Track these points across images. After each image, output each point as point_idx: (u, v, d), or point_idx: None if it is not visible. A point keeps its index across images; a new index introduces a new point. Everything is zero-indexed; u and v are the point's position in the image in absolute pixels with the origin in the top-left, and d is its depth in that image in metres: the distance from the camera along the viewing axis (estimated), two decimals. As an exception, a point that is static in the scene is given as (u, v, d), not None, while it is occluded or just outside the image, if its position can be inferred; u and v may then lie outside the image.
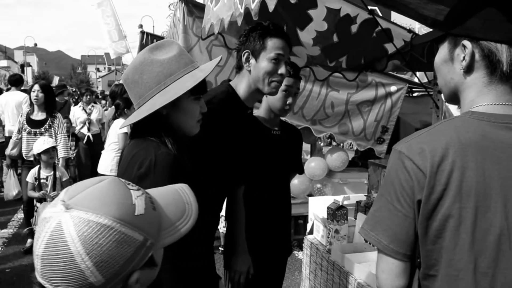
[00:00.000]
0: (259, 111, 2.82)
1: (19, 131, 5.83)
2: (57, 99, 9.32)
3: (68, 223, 0.89)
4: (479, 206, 1.13)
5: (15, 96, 8.44)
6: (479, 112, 1.21)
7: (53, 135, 5.78)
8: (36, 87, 5.84)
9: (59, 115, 6.04)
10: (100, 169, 6.09)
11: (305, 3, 3.60)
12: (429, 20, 3.46)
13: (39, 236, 0.90)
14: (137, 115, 1.71)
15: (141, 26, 20.95)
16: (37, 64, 77.94)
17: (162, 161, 1.61)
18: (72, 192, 0.95)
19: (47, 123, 5.82)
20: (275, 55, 2.19)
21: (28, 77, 40.00)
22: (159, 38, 8.06)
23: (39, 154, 5.25)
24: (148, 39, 8.31)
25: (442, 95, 1.38)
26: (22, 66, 46.86)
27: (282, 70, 2.21)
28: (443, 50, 1.30)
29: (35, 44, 53.34)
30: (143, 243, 0.94)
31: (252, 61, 2.23)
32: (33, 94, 5.80)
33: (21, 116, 5.96)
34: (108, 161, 5.94)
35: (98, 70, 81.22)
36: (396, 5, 3.32)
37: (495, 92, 1.22)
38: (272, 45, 2.20)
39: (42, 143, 5.26)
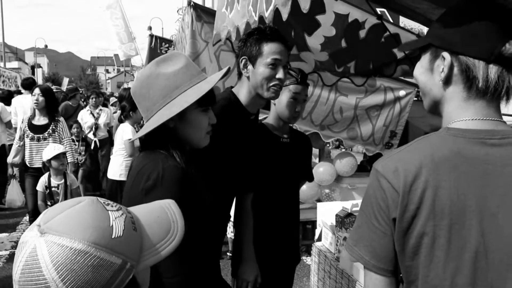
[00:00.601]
0: (268, 119, 2.81)
1: (21, 138, 5.65)
2: (70, 103, 9.37)
3: (43, 248, 0.87)
4: (454, 223, 1.13)
5: (29, 100, 8.23)
6: (455, 128, 1.21)
7: (58, 140, 5.62)
8: (37, 90, 5.66)
9: (62, 119, 5.85)
10: (109, 174, 6.10)
11: (313, 8, 3.59)
12: None
13: (16, 261, 0.89)
14: (144, 129, 1.73)
15: (150, 28, 21.06)
16: (48, 65, 78.45)
17: (169, 174, 1.62)
18: (48, 215, 0.93)
19: (50, 127, 5.64)
20: (272, 60, 2.18)
21: (39, 78, 40.23)
22: (168, 41, 8.09)
23: (49, 161, 5.04)
24: (157, 42, 8.34)
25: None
26: (33, 68, 47.17)
27: (280, 74, 2.20)
28: (425, 60, 1.32)
29: (46, 46, 53.60)
30: (121, 266, 0.91)
31: (250, 67, 2.23)
32: (33, 98, 5.63)
33: (22, 122, 5.77)
34: (117, 166, 5.95)
35: (107, 71, 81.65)
36: (404, 10, 3.30)
37: (473, 107, 1.22)
38: (269, 50, 2.18)
39: (52, 149, 5.07)
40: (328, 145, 6.69)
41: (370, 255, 1.24)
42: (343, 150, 5.97)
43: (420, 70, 1.34)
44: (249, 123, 2.39)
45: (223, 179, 2.20)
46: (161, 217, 1.08)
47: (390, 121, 5.27)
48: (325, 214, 3.44)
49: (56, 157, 5.02)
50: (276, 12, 2.15)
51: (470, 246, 1.13)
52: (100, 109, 8.71)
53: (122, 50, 18.04)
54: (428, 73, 1.31)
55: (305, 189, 5.14)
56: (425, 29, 8.29)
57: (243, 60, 2.24)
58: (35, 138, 5.56)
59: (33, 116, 5.69)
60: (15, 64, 45.54)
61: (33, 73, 39.10)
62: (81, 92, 11.31)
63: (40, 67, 55.77)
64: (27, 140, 5.58)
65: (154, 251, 1.00)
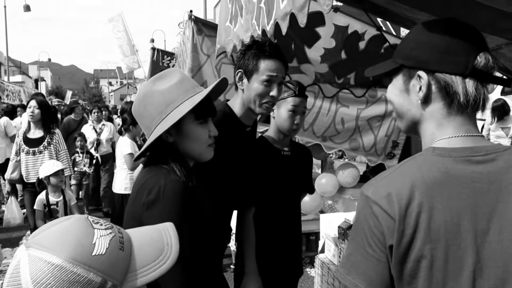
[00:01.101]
0: (269, 132, 2.82)
1: (17, 153, 5.47)
2: (72, 116, 9.37)
3: (25, 262, 0.90)
4: (450, 244, 1.13)
5: None
6: (440, 148, 1.21)
7: (54, 153, 5.43)
8: (33, 102, 5.46)
9: (57, 130, 5.65)
10: (115, 189, 6.08)
11: (313, 21, 3.62)
12: None
13: (7, 273, 0.93)
14: (145, 146, 1.76)
15: (152, 40, 21.21)
16: (51, 78, 78.81)
17: (170, 188, 1.62)
18: (38, 230, 0.97)
19: (46, 140, 5.42)
20: (267, 77, 2.18)
21: (42, 91, 40.42)
22: (170, 54, 8.12)
23: (47, 178, 4.89)
24: (159, 55, 8.37)
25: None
26: (36, 81, 47.41)
27: (273, 92, 2.21)
28: (398, 82, 1.31)
29: (49, 59, 53.90)
30: (101, 284, 0.92)
31: (245, 80, 2.24)
32: (29, 111, 5.43)
33: (18, 136, 5.57)
34: (121, 179, 5.96)
35: (110, 84, 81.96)
36: (403, 21, 3.31)
37: (454, 123, 1.23)
38: (265, 66, 2.19)
39: (51, 166, 4.93)
40: (331, 155, 6.68)
41: (365, 283, 1.20)
42: (346, 160, 5.95)
43: (395, 92, 1.32)
44: (244, 135, 2.40)
45: (221, 191, 2.20)
46: (155, 239, 1.08)
47: (392, 131, 5.26)
48: (328, 226, 3.44)
49: (55, 174, 4.89)
50: (277, 26, 2.17)
51: (467, 265, 1.12)
52: (103, 124, 8.54)
53: (125, 63, 18.15)
54: (404, 94, 1.30)
55: (308, 200, 5.14)
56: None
57: (239, 73, 2.26)
58: (31, 152, 5.39)
59: (28, 129, 5.52)
60: (18, 78, 45.77)
61: (36, 87, 39.31)
62: (81, 104, 11.13)
63: (44, 80, 56.05)
64: (22, 155, 5.41)
65: (142, 273, 1.00)
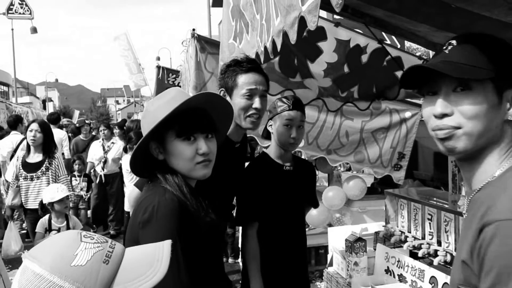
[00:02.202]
0: (270, 148, 2.85)
1: (17, 177, 5.17)
2: (81, 137, 9.21)
3: (19, 271, 0.99)
4: None
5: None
6: None
7: (51, 179, 5.10)
8: (34, 126, 5.13)
9: (58, 155, 5.36)
10: (126, 207, 6.04)
11: (314, 36, 3.65)
12: (438, 46, 3.47)
13: None
14: (127, 159, 1.84)
15: (158, 58, 21.37)
16: (59, 98, 79.36)
17: (164, 207, 1.62)
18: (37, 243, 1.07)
19: (44, 165, 5.12)
20: (247, 90, 2.26)
21: (50, 112, 40.73)
22: (175, 72, 8.20)
23: (51, 203, 4.63)
24: (164, 73, 8.44)
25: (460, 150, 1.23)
26: (44, 102, 47.79)
27: (256, 104, 2.27)
28: (482, 96, 1.19)
29: (56, 79, 54.41)
30: None
31: (228, 98, 2.30)
32: (30, 134, 5.10)
33: (17, 160, 5.28)
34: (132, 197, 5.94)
35: (117, 102, 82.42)
36: (405, 33, 3.35)
37: None
38: (244, 81, 2.27)
39: (55, 191, 4.65)
40: (338, 168, 6.68)
41: None
42: (354, 173, 5.94)
43: (484, 106, 1.18)
44: (233, 151, 2.44)
45: (214, 207, 2.22)
46: (148, 254, 1.10)
47: (398, 143, 5.27)
48: (336, 239, 3.44)
49: (60, 200, 4.63)
50: (275, 42, 2.20)
51: None
52: (113, 142, 8.14)
53: (132, 81, 18.34)
54: (495, 109, 1.19)
55: (316, 214, 5.13)
56: (430, 52, 8.31)
57: (221, 92, 2.35)
58: (28, 177, 5.10)
59: (27, 153, 5.23)
60: (26, 99, 46.08)
61: (44, 107, 39.60)
62: (89, 123, 10.95)
63: (51, 100, 56.48)
64: (21, 180, 5.13)
65: (127, 286, 1.01)
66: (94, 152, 8.10)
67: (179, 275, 1.52)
